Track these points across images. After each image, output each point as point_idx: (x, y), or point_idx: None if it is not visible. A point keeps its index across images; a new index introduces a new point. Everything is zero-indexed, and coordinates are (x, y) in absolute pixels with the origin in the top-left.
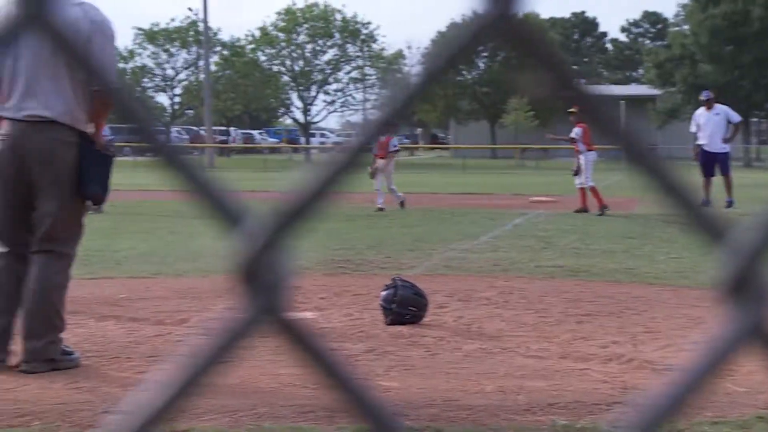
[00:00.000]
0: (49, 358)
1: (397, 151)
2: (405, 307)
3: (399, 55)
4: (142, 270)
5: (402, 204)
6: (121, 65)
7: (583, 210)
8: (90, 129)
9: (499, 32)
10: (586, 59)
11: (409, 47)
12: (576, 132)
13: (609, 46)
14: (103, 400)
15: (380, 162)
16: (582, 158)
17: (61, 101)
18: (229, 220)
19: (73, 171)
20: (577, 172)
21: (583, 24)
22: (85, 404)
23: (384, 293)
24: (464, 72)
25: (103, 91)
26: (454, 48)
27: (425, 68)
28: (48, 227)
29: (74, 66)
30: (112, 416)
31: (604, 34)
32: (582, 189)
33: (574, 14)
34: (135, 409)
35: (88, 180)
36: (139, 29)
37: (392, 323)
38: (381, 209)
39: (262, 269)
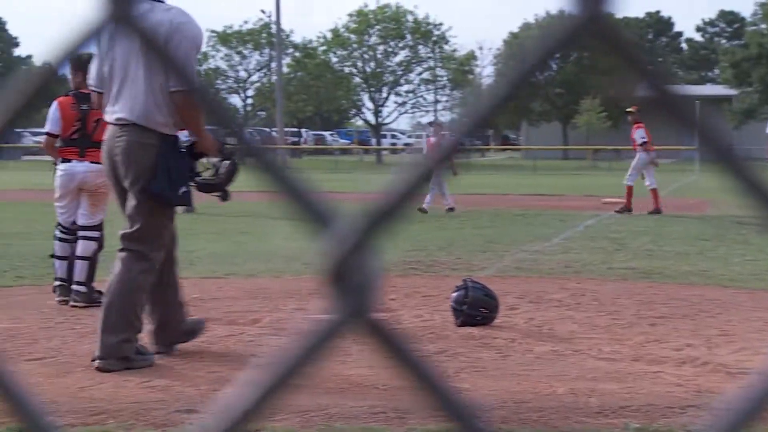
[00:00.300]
0: (124, 356)
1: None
2: (476, 308)
3: (470, 56)
4: (214, 270)
5: (450, 209)
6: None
7: (657, 211)
8: (173, 131)
9: (589, 34)
10: (660, 59)
11: (480, 48)
12: (642, 134)
13: (684, 45)
14: (176, 399)
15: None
16: (636, 157)
17: (140, 104)
18: (318, 222)
19: (150, 172)
20: (643, 175)
21: (658, 24)
22: (159, 403)
23: (455, 294)
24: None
25: (185, 92)
26: (546, 50)
27: (517, 70)
28: (130, 227)
29: (153, 68)
30: (202, 415)
31: (680, 33)
32: (654, 190)
33: (648, 14)
34: (226, 409)
35: (160, 180)
36: (213, 31)
37: (463, 324)
38: (452, 209)
39: (350, 271)
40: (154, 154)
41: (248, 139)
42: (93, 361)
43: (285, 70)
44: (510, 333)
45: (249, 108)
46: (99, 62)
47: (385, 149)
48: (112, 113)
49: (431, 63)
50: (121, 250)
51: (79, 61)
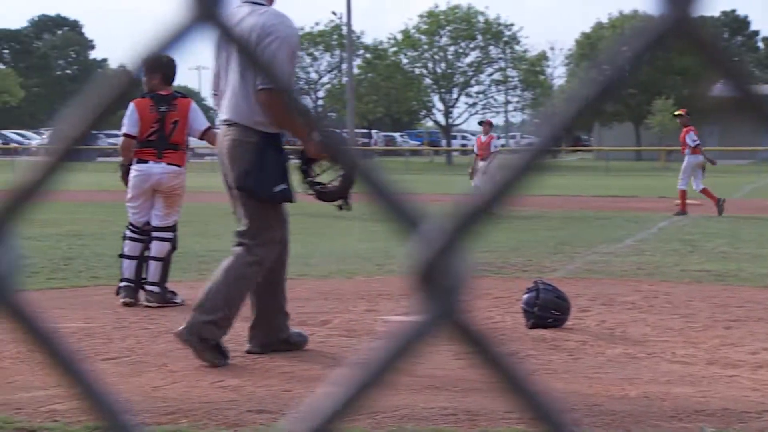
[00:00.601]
0: (204, 337)
1: (499, 152)
2: (547, 310)
3: (542, 57)
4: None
5: None
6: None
7: (681, 213)
8: (275, 130)
9: (678, 36)
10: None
11: (552, 48)
12: (693, 137)
13: (761, 44)
14: (247, 399)
15: (481, 163)
16: (686, 160)
17: (241, 103)
18: (407, 224)
19: (245, 166)
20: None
21: (734, 23)
22: (231, 403)
23: (526, 296)
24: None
25: (269, 91)
26: (635, 52)
27: (606, 73)
28: (240, 222)
29: (247, 67)
30: (291, 415)
31: (756, 32)
32: (683, 191)
33: (724, 13)
34: (315, 409)
35: (254, 177)
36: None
37: (534, 327)
38: None
39: (440, 273)
40: (252, 151)
41: (337, 141)
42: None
43: (356, 71)
44: (581, 335)
45: (320, 109)
46: (215, 66)
47: (455, 150)
48: (221, 114)
49: (502, 64)
50: (236, 245)
51: (156, 62)
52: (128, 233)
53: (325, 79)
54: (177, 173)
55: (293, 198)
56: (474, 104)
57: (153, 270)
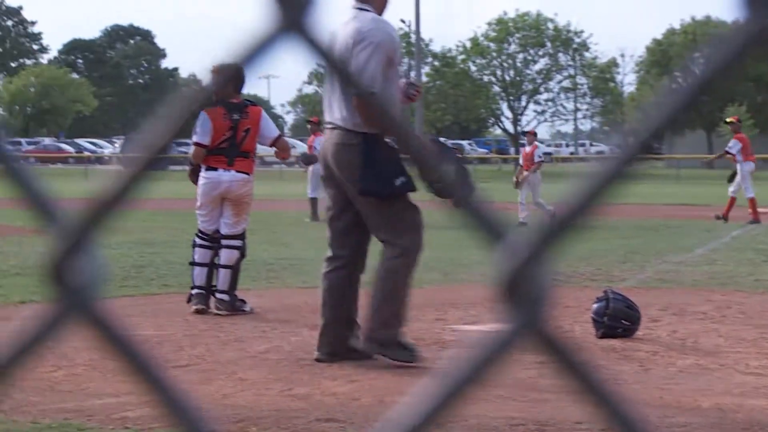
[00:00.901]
0: (383, 342)
1: (542, 162)
2: (617, 320)
3: (612, 64)
4: None
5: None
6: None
7: (721, 218)
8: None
9: (762, 43)
10: None
11: (622, 55)
12: (733, 145)
13: None
14: (316, 408)
15: (525, 173)
16: (738, 169)
17: (342, 107)
18: (491, 233)
19: (358, 171)
20: (731, 179)
21: None
22: (299, 411)
23: (595, 306)
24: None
25: (359, 95)
26: (721, 61)
27: (692, 83)
28: (366, 221)
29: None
30: (341, 424)
31: None
32: (732, 199)
33: None
34: (398, 420)
35: (368, 177)
36: None
37: (604, 336)
38: (523, 224)
39: (524, 283)
40: (358, 153)
41: (422, 149)
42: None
43: (424, 79)
44: (652, 345)
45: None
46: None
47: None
48: (326, 119)
49: (571, 71)
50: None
51: (228, 71)
52: (198, 241)
53: None
54: (246, 181)
55: (415, 187)
56: (543, 112)
57: (222, 278)
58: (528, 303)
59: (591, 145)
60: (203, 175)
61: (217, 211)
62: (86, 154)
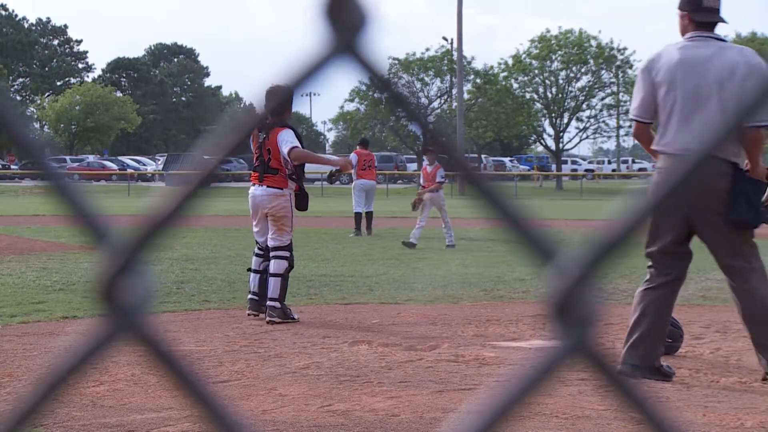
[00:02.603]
0: (653, 365)
1: (444, 182)
2: None
3: None
4: (393, 296)
5: (451, 246)
6: (376, 95)
7: None
8: (740, 160)
9: None
10: None
11: None
12: None
13: None
14: (355, 424)
15: (427, 195)
16: None
17: (715, 134)
18: (541, 252)
19: (728, 199)
20: None
21: None
22: (339, 427)
23: None
24: None
25: (756, 128)
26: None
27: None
28: (718, 249)
29: (729, 99)
30: None
31: None
32: None
33: None
34: None
35: (741, 208)
36: (395, 59)
37: None
38: (411, 244)
39: (575, 302)
40: (730, 182)
41: (471, 165)
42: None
43: (465, 96)
44: (695, 363)
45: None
46: (647, 91)
47: (565, 175)
48: (671, 143)
49: (614, 88)
50: (731, 274)
51: (283, 92)
52: (255, 250)
53: (435, 104)
54: (276, 195)
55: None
56: (585, 129)
57: (272, 286)
58: (578, 322)
59: (633, 162)
60: (249, 192)
61: (264, 224)
62: (129, 171)
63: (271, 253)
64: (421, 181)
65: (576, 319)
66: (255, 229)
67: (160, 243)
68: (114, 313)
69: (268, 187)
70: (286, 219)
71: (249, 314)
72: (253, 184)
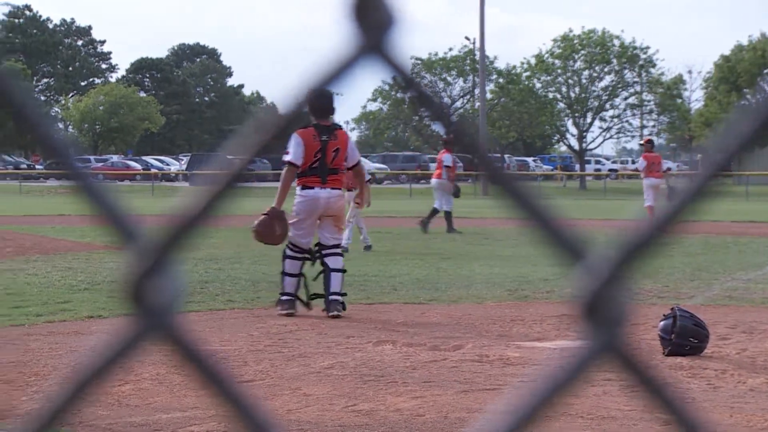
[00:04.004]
0: None
1: (370, 181)
2: (685, 338)
3: (678, 80)
4: (417, 296)
5: (367, 248)
6: (399, 95)
7: None
8: None
9: None
10: None
11: (689, 72)
12: None
13: None
14: (380, 424)
15: (348, 194)
16: None
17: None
18: (570, 252)
19: None
20: None
21: None
22: (363, 427)
23: (662, 323)
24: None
25: None
26: None
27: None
28: None
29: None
30: None
31: None
32: None
33: None
34: None
35: None
36: (418, 59)
37: (671, 354)
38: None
39: (604, 303)
40: None
41: (497, 164)
42: None
43: (488, 96)
44: (721, 364)
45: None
46: None
47: (588, 175)
48: None
49: (637, 87)
50: None
51: (316, 95)
52: (289, 252)
53: (457, 104)
54: (339, 196)
55: None
56: (608, 128)
57: (336, 281)
58: (607, 322)
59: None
60: (300, 194)
61: (314, 226)
62: (153, 171)
63: (326, 252)
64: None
65: (605, 319)
66: (299, 231)
67: (189, 243)
68: (143, 313)
69: (332, 189)
70: (344, 218)
71: (287, 314)
72: (313, 187)
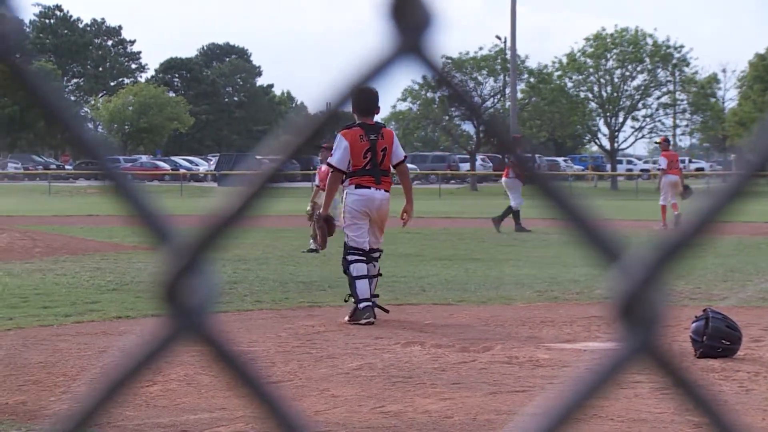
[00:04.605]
0: None
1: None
2: (717, 339)
3: (712, 79)
4: (445, 297)
5: (315, 251)
6: (429, 95)
7: None
8: None
9: None
10: None
11: (723, 71)
12: None
13: None
14: (408, 425)
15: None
16: None
17: None
18: (606, 254)
19: None
20: None
21: None
22: (392, 429)
23: (694, 325)
24: None
25: None
26: None
27: None
28: None
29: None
30: None
31: None
32: None
33: None
34: None
35: None
36: (448, 58)
37: (702, 356)
38: (314, 250)
39: (640, 304)
40: None
41: (533, 164)
42: None
43: (519, 95)
44: (754, 366)
45: (482, 134)
46: None
47: (620, 175)
48: None
49: (670, 86)
50: None
51: (361, 94)
52: (353, 257)
53: (488, 104)
54: (389, 199)
55: None
56: (640, 128)
57: (373, 287)
58: (644, 323)
59: (690, 161)
60: (354, 193)
61: (368, 227)
62: (182, 171)
63: (374, 255)
64: (317, 181)
65: (642, 320)
66: (357, 233)
67: (224, 243)
68: (177, 313)
69: (385, 191)
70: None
71: (369, 323)
72: (369, 187)
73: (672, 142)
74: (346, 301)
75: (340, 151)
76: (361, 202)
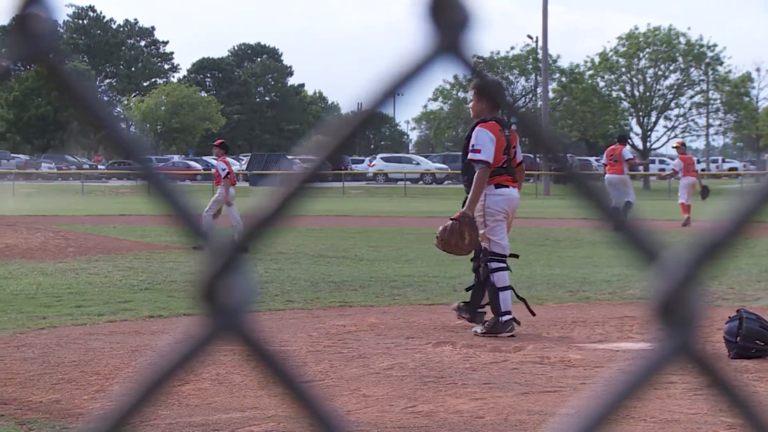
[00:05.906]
0: None
1: (227, 177)
2: (751, 340)
3: (746, 78)
4: None
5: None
6: (461, 94)
7: None
8: None
9: None
10: None
11: (758, 70)
12: None
13: None
14: (439, 425)
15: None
16: None
17: None
18: (645, 253)
19: None
20: None
21: None
22: (423, 429)
23: (728, 325)
24: None
25: None
26: None
27: None
28: None
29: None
30: None
31: None
32: None
33: None
34: None
35: None
36: (479, 57)
37: (736, 357)
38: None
39: (679, 304)
40: None
41: (570, 164)
42: None
43: (551, 95)
44: None
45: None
46: None
47: (653, 175)
48: None
49: (703, 86)
50: None
51: (486, 86)
52: (497, 264)
53: (519, 103)
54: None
55: None
56: (673, 128)
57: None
58: (682, 323)
59: (723, 161)
60: (496, 192)
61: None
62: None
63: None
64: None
65: (680, 320)
66: (499, 235)
67: (263, 243)
68: (216, 312)
69: (518, 190)
70: None
71: (512, 336)
72: (508, 186)
73: (706, 142)
74: (460, 309)
75: (491, 145)
76: (505, 201)
